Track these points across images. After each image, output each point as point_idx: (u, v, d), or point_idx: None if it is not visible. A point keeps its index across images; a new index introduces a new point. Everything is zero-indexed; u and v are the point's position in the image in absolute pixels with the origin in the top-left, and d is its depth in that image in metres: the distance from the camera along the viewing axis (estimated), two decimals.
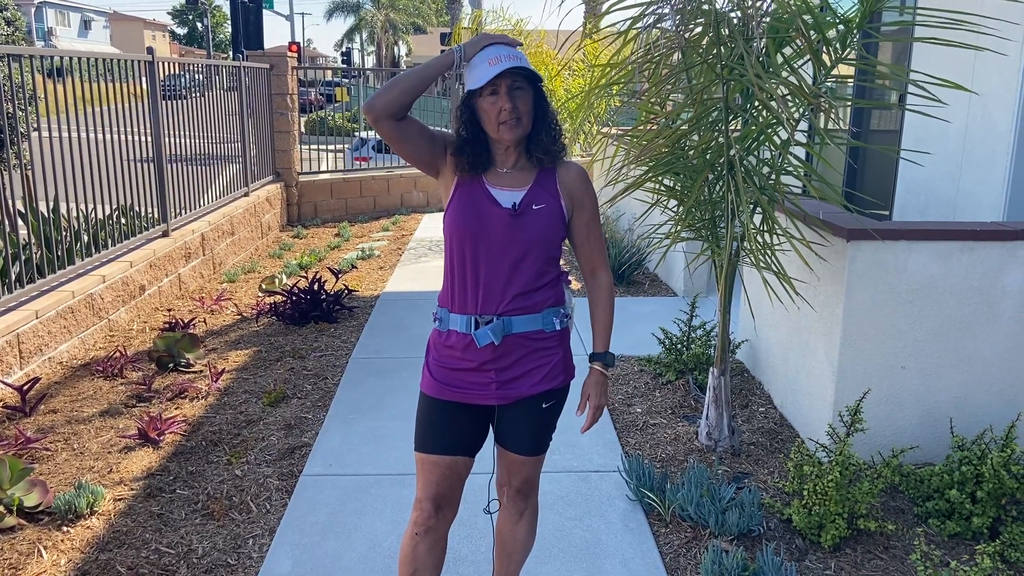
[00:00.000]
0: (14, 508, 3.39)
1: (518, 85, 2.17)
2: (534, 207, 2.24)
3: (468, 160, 2.25)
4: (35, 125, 6.11)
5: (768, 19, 3.38)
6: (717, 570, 2.95)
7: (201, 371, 5.17)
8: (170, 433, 4.21)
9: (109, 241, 6.00)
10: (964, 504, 3.25)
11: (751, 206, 3.54)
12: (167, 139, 6.99)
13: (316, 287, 6.30)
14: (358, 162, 13.42)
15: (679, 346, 5.04)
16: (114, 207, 6.15)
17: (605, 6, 3.49)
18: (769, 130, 3.53)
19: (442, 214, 2.36)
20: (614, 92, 3.89)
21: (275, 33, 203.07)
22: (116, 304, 5.85)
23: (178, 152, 7.28)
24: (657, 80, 3.58)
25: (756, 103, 3.48)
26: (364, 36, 53.28)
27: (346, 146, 15.34)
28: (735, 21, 3.27)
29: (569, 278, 2.46)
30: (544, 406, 2.37)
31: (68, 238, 5.54)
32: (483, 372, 2.30)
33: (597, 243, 2.40)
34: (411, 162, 2.33)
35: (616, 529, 3.37)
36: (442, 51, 2.30)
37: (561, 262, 2.40)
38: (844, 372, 3.74)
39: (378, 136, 2.30)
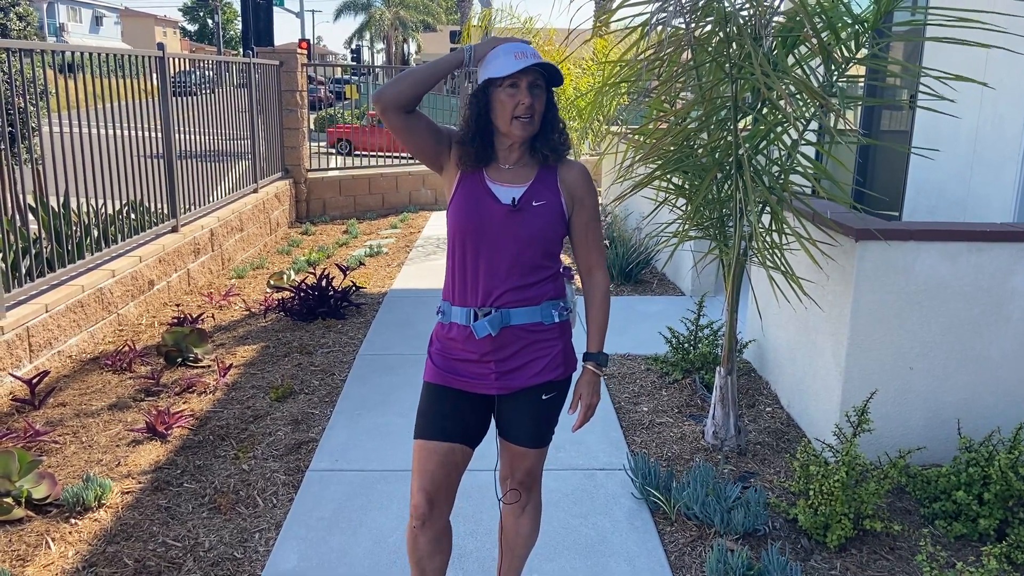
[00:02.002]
0: (23, 500, 3.42)
1: (537, 84, 2.21)
2: (534, 203, 2.27)
3: (473, 152, 2.27)
4: (46, 120, 6.15)
5: (781, 18, 3.38)
6: (722, 569, 2.95)
7: (209, 366, 5.20)
8: (178, 427, 4.23)
9: (119, 236, 6.03)
10: (971, 506, 3.24)
11: (759, 205, 3.53)
12: (177, 135, 7.02)
13: (324, 283, 6.32)
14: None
15: (686, 345, 5.04)
16: (124, 202, 6.18)
17: (615, 3, 3.49)
18: (779, 129, 3.53)
19: (441, 213, 2.37)
20: (623, 91, 3.89)
21: (285, 30, 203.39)
22: (125, 299, 5.88)
23: (188, 148, 7.31)
24: (667, 78, 3.58)
25: (766, 102, 3.48)
26: (373, 33, 53.32)
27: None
28: (744, 20, 3.27)
29: (572, 273, 2.48)
30: (544, 397, 2.40)
31: (78, 233, 5.57)
32: (483, 363, 2.34)
33: (595, 243, 2.43)
34: (415, 155, 2.36)
35: (621, 527, 3.37)
36: (452, 50, 2.31)
37: (567, 260, 2.41)
38: (851, 372, 3.73)
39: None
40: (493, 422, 2.49)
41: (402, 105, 2.19)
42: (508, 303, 2.29)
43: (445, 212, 2.38)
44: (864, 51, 3.44)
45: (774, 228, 3.56)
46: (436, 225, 10.57)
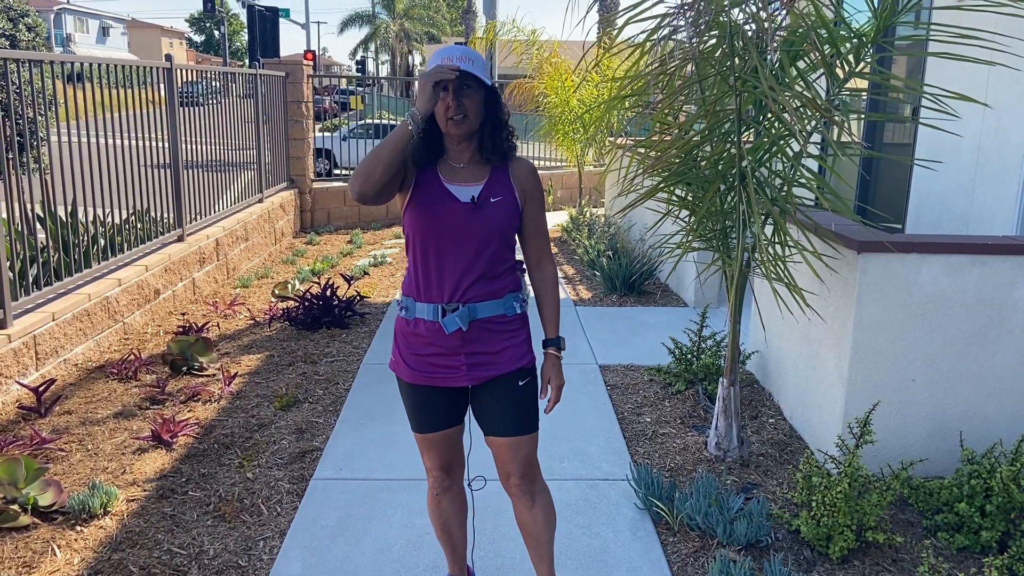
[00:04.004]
0: (29, 507, 3.44)
1: (467, 84, 2.32)
2: (491, 200, 2.41)
3: (419, 149, 2.40)
4: (54, 130, 6.19)
5: (783, 32, 3.41)
6: None
7: (214, 375, 5.22)
8: (183, 435, 4.25)
9: (125, 245, 6.06)
10: (973, 518, 3.24)
11: (763, 217, 3.55)
12: (183, 145, 7.06)
13: (328, 293, 6.34)
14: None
15: (689, 356, 5.05)
16: (130, 212, 6.22)
17: (621, 20, 3.52)
18: (781, 142, 3.55)
19: None
20: (627, 106, 3.92)
21: (291, 41, 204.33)
22: (131, 307, 5.91)
23: (194, 158, 7.35)
24: (671, 91, 3.61)
25: (769, 115, 3.50)
26: (378, 45, 53.55)
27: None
28: (749, 34, 3.30)
29: (523, 265, 2.60)
30: (520, 384, 2.51)
31: (85, 242, 5.61)
32: (453, 356, 2.46)
33: (543, 235, 2.58)
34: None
35: (624, 537, 3.38)
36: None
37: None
38: (854, 384, 3.74)
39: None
40: (477, 425, 2.61)
41: (380, 192, 2.30)
42: (474, 297, 2.42)
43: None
44: (864, 63, 3.47)
45: (777, 240, 3.58)
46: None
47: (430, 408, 2.55)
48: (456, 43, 2.69)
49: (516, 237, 2.55)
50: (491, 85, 2.39)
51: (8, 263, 4.74)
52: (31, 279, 4.95)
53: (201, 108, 7.64)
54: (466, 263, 2.39)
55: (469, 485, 2.80)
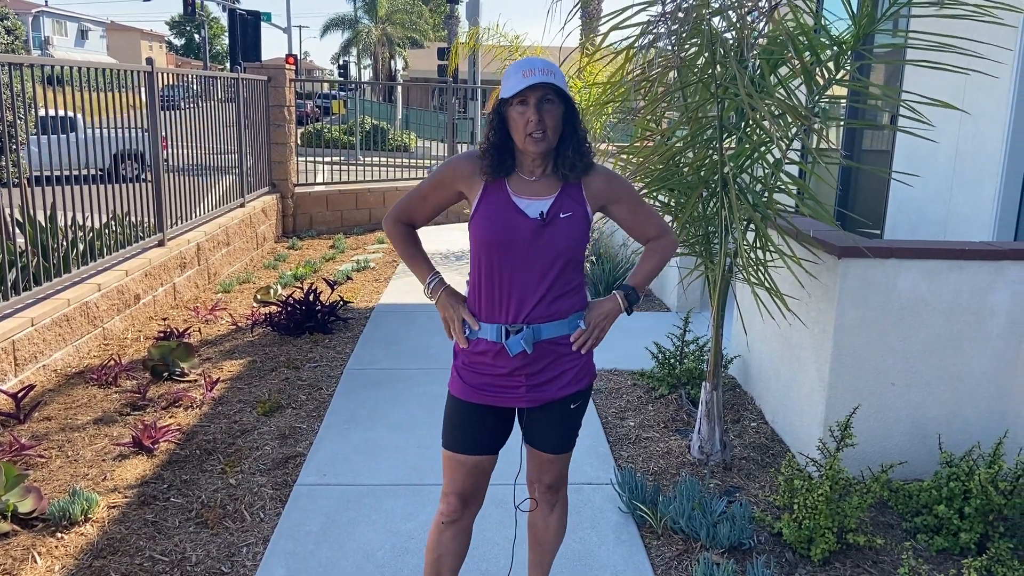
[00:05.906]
0: (8, 514, 3.40)
1: (548, 98, 2.19)
2: (561, 216, 2.28)
3: (491, 163, 2.28)
4: (34, 133, 6.14)
5: (763, 40, 3.45)
6: None
7: (196, 380, 5.19)
8: (164, 441, 4.22)
9: (105, 250, 6.02)
10: (952, 520, 3.28)
11: (744, 223, 3.59)
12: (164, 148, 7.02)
13: (311, 298, 6.32)
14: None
15: (672, 360, 5.08)
16: (110, 215, 6.17)
17: (603, 28, 3.55)
18: (763, 148, 3.59)
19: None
20: (609, 111, 3.95)
21: (272, 45, 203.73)
22: (111, 312, 5.86)
23: (176, 162, 7.31)
24: (653, 98, 3.64)
25: (750, 122, 3.54)
26: (360, 49, 53.43)
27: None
28: (730, 41, 3.33)
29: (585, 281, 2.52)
30: (572, 407, 2.46)
31: (64, 246, 5.56)
32: (513, 377, 2.36)
33: (647, 219, 2.46)
34: None
35: (608, 541, 3.40)
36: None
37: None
38: (834, 388, 3.78)
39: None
40: (517, 424, 2.54)
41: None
42: (539, 318, 2.32)
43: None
44: (844, 71, 3.51)
45: (758, 245, 3.62)
46: (424, 240, 10.58)
47: (477, 428, 2.41)
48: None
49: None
50: (572, 98, 2.25)
51: None
52: (9, 284, 4.90)
53: (182, 112, 7.60)
54: (532, 283, 2.28)
55: (518, 507, 2.75)
